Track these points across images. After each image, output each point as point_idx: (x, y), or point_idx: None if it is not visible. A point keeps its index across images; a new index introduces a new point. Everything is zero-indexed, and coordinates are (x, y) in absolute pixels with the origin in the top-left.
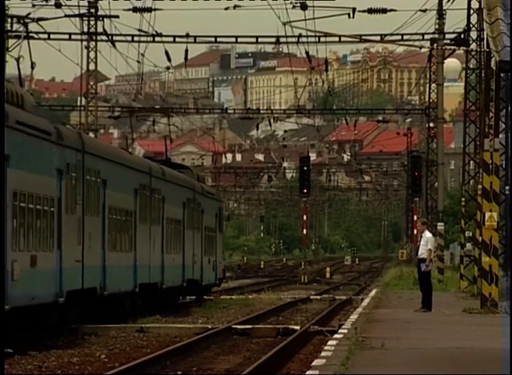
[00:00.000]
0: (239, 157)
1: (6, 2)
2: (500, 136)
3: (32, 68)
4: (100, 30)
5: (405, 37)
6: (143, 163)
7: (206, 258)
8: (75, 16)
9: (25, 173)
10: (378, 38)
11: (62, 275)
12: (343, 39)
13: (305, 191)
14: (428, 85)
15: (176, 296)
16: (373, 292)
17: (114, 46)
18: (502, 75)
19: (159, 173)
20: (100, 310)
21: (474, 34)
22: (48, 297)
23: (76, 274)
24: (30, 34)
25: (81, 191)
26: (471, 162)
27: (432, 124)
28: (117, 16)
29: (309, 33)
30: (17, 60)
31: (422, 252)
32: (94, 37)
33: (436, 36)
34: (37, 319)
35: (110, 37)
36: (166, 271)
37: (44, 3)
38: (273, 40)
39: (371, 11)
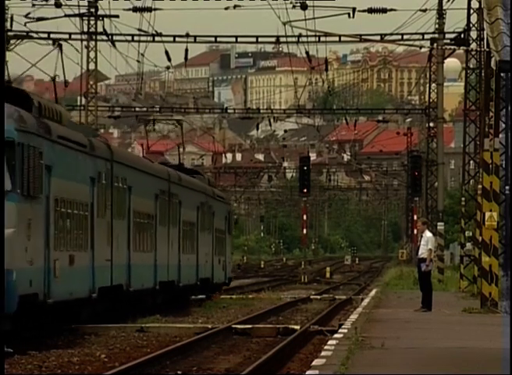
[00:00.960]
0: (239, 157)
1: (6, 2)
2: (500, 136)
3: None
4: (100, 29)
5: (405, 37)
6: (162, 170)
7: (217, 258)
8: (75, 15)
9: (65, 181)
10: (378, 38)
11: (94, 273)
12: (343, 39)
13: (305, 190)
14: (428, 85)
15: (190, 294)
16: (373, 292)
17: (114, 46)
18: (502, 75)
19: (176, 179)
20: (126, 306)
21: (474, 34)
22: (83, 292)
23: (106, 272)
24: (30, 34)
25: (110, 197)
26: (471, 161)
27: (431, 124)
28: (117, 16)
29: (309, 33)
30: (53, 79)
31: (422, 252)
32: (94, 37)
33: (436, 36)
34: (72, 314)
35: (110, 36)
36: (182, 270)
37: (44, 3)
38: (273, 40)
39: (371, 11)
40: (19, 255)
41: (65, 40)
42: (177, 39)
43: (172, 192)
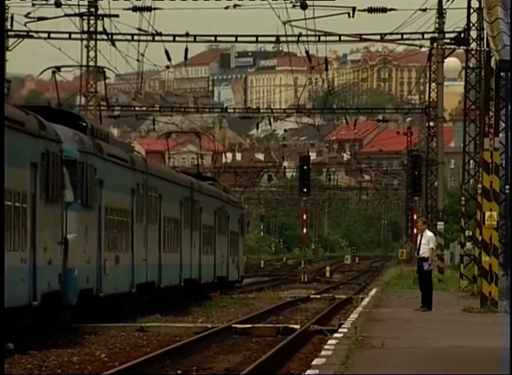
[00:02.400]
0: (239, 156)
1: (6, 2)
2: (500, 135)
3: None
4: (100, 29)
5: (405, 37)
6: (186, 179)
7: (231, 258)
8: (75, 15)
9: (112, 192)
10: (378, 37)
11: (134, 271)
12: (343, 38)
13: (305, 190)
14: (428, 84)
15: (209, 291)
16: (373, 291)
17: (114, 45)
18: (502, 74)
19: (197, 187)
20: (157, 301)
21: (474, 33)
22: (125, 287)
23: (143, 270)
24: (30, 33)
25: (145, 205)
26: (471, 161)
27: (431, 123)
28: (117, 16)
29: (309, 33)
30: (98, 104)
31: (424, 251)
32: (93, 37)
33: (436, 35)
34: (116, 307)
35: (110, 36)
36: (203, 269)
37: (44, 2)
38: (273, 39)
39: (371, 10)
40: (79, 256)
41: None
42: (177, 38)
43: (194, 199)
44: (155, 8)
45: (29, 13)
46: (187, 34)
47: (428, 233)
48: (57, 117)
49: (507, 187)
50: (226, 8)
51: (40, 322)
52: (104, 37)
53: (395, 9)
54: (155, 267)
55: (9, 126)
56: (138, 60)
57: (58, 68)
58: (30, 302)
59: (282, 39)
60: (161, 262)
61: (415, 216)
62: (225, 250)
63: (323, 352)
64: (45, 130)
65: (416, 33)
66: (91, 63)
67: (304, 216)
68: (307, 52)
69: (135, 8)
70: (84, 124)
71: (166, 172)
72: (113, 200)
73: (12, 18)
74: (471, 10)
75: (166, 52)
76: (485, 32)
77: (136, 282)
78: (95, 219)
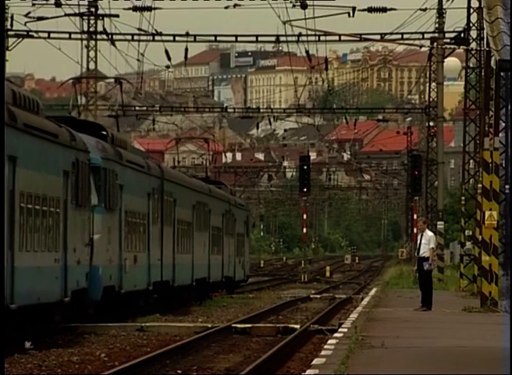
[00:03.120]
0: (239, 156)
1: (6, 1)
2: (500, 135)
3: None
4: (100, 29)
5: (405, 36)
6: (197, 183)
7: (237, 258)
8: (75, 15)
9: (131, 196)
10: (378, 37)
11: (150, 270)
12: (343, 38)
13: (305, 189)
14: (428, 84)
15: (216, 289)
16: (373, 291)
17: (114, 45)
18: (502, 74)
19: (208, 191)
20: (171, 299)
21: (474, 33)
22: (142, 285)
23: (158, 270)
24: (30, 33)
25: (161, 208)
26: (471, 160)
27: (431, 123)
28: (117, 15)
29: (309, 32)
30: (114, 111)
31: (424, 251)
32: (94, 36)
33: (436, 35)
34: (133, 302)
35: (110, 36)
36: (212, 269)
37: (44, 2)
38: (273, 39)
39: (371, 10)
40: (103, 255)
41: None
42: (177, 38)
43: (205, 202)
44: (155, 8)
45: (29, 13)
46: (187, 34)
47: (429, 233)
48: (80, 126)
49: (507, 186)
50: (226, 7)
51: (70, 317)
52: (105, 36)
53: (395, 9)
54: (170, 267)
55: (45, 138)
56: (138, 60)
57: (78, 79)
58: (62, 299)
59: (282, 39)
60: (175, 262)
61: (415, 216)
62: (232, 250)
63: (323, 352)
64: (75, 141)
65: (416, 32)
66: (91, 63)
67: (304, 216)
68: (307, 52)
69: (135, 8)
70: (105, 133)
71: (180, 177)
72: (132, 203)
73: (12, 18)
74: (471, 10)
75: (166, 52)
76: (485, 32)
77: (152, 280)
78: (117, 221)
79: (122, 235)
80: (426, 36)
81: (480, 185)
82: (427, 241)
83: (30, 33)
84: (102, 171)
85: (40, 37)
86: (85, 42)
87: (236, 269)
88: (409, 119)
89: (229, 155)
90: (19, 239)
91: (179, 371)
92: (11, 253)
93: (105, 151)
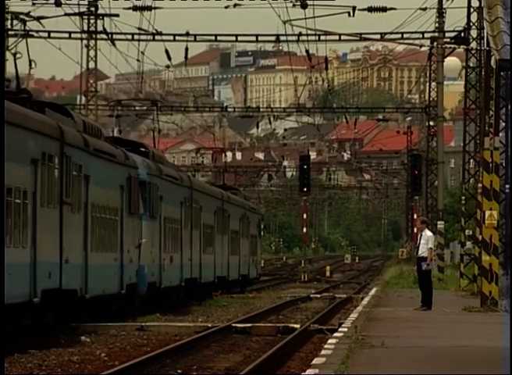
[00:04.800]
0: (239, 155)
1: (6, 1)
2: (500, 134)
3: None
4: (100, 28)
5: (405, 36)
6: (218, 191)
7: (251, 258)
8: (75, 14)
9: (168, 205)
10: (378, 37)
11: (182, 268)
12: (343, 37)
13: (305, 189)
14: (428, 84)
15: (234, 286)
16: (373, 291)
17: (114, 45)
18: (502, 73)
19: (227, 198)
20: (198, 294)
21: (474, 33)
22: (177, 281)
23: (189, 268)
24: (30, 33)
25: (191, 214)
26: (471, 160)
27: (432, 123)
28: (117, 15)
29: (309, 32)
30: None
31: (423, 251)
32: (94, 36)
33: (436, 34)
34: (168, 297)
35: (110, 35)
36: (230, 268)
37: (44, 1)
38: (273, 38)
39: (371, 9)
40: (148, 256)
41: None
42: (177, 38)
43: (224, 208)
44: (155, 8)
45: (29, 12)
46: (187, 34)
47: (428, 233)
48: (125, 144)
49: (507, 186)
50: (226, 7)
51: (124, 307)
52: (105, 36)
53: (395, 8)
54: (197, 266)
55: (108, 159)
56: (138, 60)
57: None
58: (120, 291)
59: (282, 38)
60: (201, 262)
61: (415, 216)
62: (247, 251)
63: (323, 351)
64: (128, 160)
65: (416, 32)
66: (91, 63)
67: (304, 216)
68: (307, 51)
69: (135, 8)
70: (146, 150)
71: (205, 187)
72: (169, 211)
73: (12, 17)
74: (471, 9)
75: (166, 52)
76: (485, 31)
77: (184, 277)
78: (158, 227)
79: (162, 239)
80: (426, 35)
81: (480, 185)
82: (426, 240)
83: (30, 33)
84: (148, 185)
85: (40, 37)
86: (85, 42)
87: (250, 267)
88: (409, 118)
89: (229, 154)
90: (91, 242)
91: (179, 371)
92: (85, 253)
93: (149, 167)
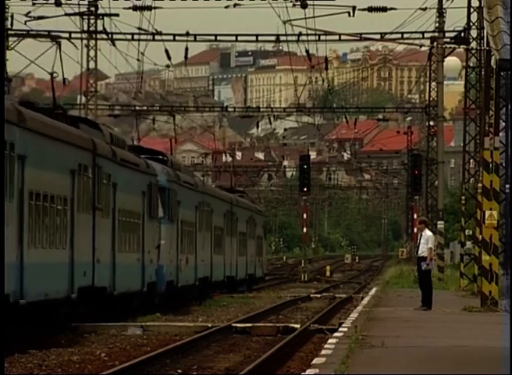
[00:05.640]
0: (239, 155)
1: (6, 1)
2: (500, 134)
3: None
4: (100, 28)
5: (405, 36)
6: (228, 196)
7: (257, 258)
8: (75, 14)
9: (185, 210)
10: (379, 37)
11: (196, 268)
12: (343, 37)
13: (305, 189)
14: (428, 83)
15: (242, 285)
16: (373, 290)
17: (114, 45)
18: (502, 73)
19: (235, 202)
20: (210, 292)
21: (474, 33)
22: (192, 280)
23: (202, 268)
24: (30, 33)
25: (204, 218)
26: (471, 160)
27: (432, 122)
28: (117, 15)
29: (309, 32)
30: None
31: (423, 251)
32: (94, 36)
33: (436, 34)
34: (183, 295)
35: (110, 35)
36: (238, 268)
37: (44, 1)
38: (273, 38)
39: (371, 9)
40: (166, 256)
41: (66, 38)
42: (177, 38)
43: (233, 211)
44: (155, 8)
45: (29, 12)
46: (187, 33)
47: (428, 233)
48: (145, 152)
49: (507, 186)
50: (226, 7)
51: (144, 304)
52: (105, 36)
53: (395, 8)
54: (209, 266)
55: (132, 168)
56: (138, 59)
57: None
58: (141, 289)
59: (282, 38)
60: (212, 262)
61: (415, 216)
62: (254, 252)
63: (323, 351)
64: (149, 168)
65: (416, 32)
66: (91, 62)
67: (304, 215)
68: (307, 51)
69: (135, 8)
70: (166, 158)
71: (216, 191)
72: (185, 215)
73: (12, 17)
74: (471, 9)
75: (166, 51)
76: (485, 31)
77: (198, 277)
78: (175, 230)
79: (179, 241)
80: (426, 35)
81: (480, 185)
82: (426, 240)
83: (30, 33)
84: (167, 190)
85: (40, 36)
86: (85, 41)
87: (257, 267)
88: (409, 118)
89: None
90: (118, 243)
91: (179, 370)
92: (113, 254)
93: (168, 174)
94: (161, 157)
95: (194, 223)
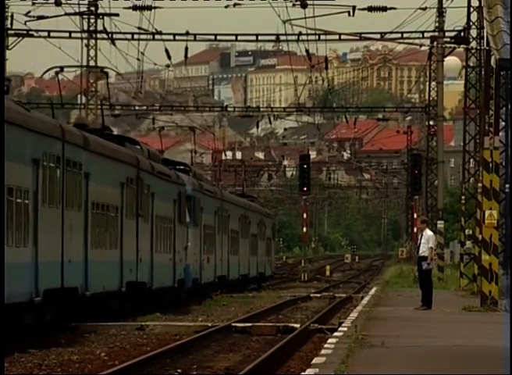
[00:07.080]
0: (239, 155)
1: (6, 1)
2: (500, 134)
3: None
4: (100, 28)
5: (405, 35)
6: (242, 201)
7: (266, 257)
8: (75, 14)
9: (207, 215)
10: (378, 36)
11: (216, 267)
12: (343, 37)
13: (305, 189)
14: (428, 83)
15: (254, 283)
16: (373, 290)
17: (114, 44)
18: (502, 73)
19: (248, 206)
20: (227, 289)
21: (474, 32)
22: (212, 278)
23: (220, 267)
24: (30, 32)
25: (222, 222)
26: (471, 160)
27: (431, 122)
28: (117, 14)
29: (309, 32)
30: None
31: (424, 250)
32: (94, 35)
33: (436, 34)
34: (204, 292)
35: (110, 35)
36: (251, 266)
37: (44, 1)
38: (273, 38)
39: (371, 9)
40: (192, 257)
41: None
42: (177, 37)
43: (247, 215)
44: (155, 7)
45: (29, 12)
46: (187, 33)
47: (428, 232)
48: (171, 164)
49: (507, 185)
50: (226, 7)
51: (175, 298)
52: (105, 36)
53: (395, 8)
54: (226, 265)
55: (165, 179)
56: (138, 59)
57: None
58: (173, 285)
59: (282, 38)
60: (229, 261)
61: (415, 215)
62: (264, 252)
63: (323, 351)
64: (179, 178)
65: (416, 31)
66: (91, 62)
67: (304, 215)
68: (307, 51)
69: (135, 7)
70: (189, 169)
71: (232, 198)
72: (207, 220)
73: (12, 17)
74: (471, 9)
75: (166, 51)
76: (485, 31)
77: (217, 275)
78: (199, 233)
79: (202, 242)
80: (426, 35)
81: (480, 184)
82: (426, 240)
83: (30, 33)
84: (192, 199)
85: (40, 36)
86: (85, 41)
87: (266, 266)
88: (409, 118)
89: (229, 153)
90: (155, 244)
91: (179, 370)
92: (151, 253)
93: (194, 184)
94: (183, 167)
95: (214, 227)
